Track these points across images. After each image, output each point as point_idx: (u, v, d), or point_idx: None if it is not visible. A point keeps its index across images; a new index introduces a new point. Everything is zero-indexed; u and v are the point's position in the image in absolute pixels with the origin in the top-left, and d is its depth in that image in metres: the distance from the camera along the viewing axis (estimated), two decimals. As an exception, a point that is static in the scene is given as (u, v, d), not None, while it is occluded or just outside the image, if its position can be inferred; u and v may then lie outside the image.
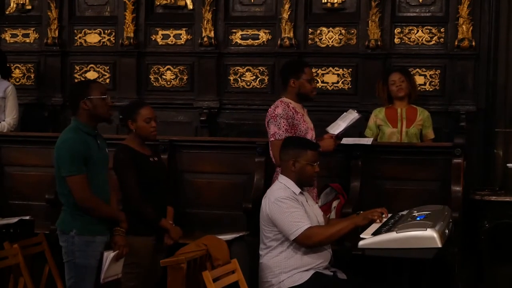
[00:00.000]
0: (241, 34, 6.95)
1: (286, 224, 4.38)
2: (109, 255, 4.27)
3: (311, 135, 5.04)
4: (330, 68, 6.75)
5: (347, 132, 5.43)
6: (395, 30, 6.64)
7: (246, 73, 6.93)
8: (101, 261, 4.28)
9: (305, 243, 4.39)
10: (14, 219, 5.22)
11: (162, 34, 7.11)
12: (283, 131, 4.89)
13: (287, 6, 6.72)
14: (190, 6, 7.07)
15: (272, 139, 4.93)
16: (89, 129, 4.32)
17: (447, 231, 4.22)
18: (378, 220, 4.42)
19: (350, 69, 6.73)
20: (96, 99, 4.32)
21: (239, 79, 6.95)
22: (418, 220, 4.25)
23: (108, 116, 4.41)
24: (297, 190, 4.51)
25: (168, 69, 7.09)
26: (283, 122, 4.91)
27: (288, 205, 4.40)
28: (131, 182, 4.68)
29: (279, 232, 4.43)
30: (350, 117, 5.23)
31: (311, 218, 4.47)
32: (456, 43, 6.42)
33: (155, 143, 5.35)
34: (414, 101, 6.02)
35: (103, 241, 4.31)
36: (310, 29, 6.80)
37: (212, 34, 6.88)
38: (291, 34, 6.73)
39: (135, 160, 4.74)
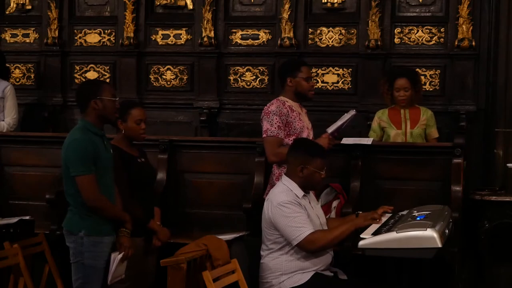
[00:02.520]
0: (241, 34, 6.95)
1: (288, 229, 4.36)
2: (116, 256, 4.27)
3: (306, 134, 5.04)
4: (330, 68, 6.75)
5: (347, 132, 5.43)
6: (395, 30, 6.64)
7: (246, 73, 6.93)
8: (108, 262, 4.27)
9: (308, 248, 4.38)
10: (14, 219, 5.21)
11: (162, 34, 7.12)
12: (275, 128, 4.92)
13: (287, 6, 6.72)
14: (190, 6, 7.07)
15: (264, 135, 4.98)
16: (96, 129, 4.32)
17: (447, 231, 4.22)
18: (378, 220, 4.42)
19: (350, 69, 6.73)
20: (107, 101, 4.33)
21: (239, 79, 6.95)
22: (418, 220, 4.25)
23: (115, 118, 4.43)
24: (300, 193, 4.48)
25: (168, 69, 7.09)
26: (276, 119, 4.93)
27: (291, 209, 4.38)
28: (120, 182, 4.63)
29: (280, 235, 4.42)
30: (347, 116, 5.22)
31: (314, 221, 4.46)
32: (456, 43, 6.43)
33: (154, 143, 5.35)
34: (416, 103, 5.99)
35: (110, 241, 4.31)
36: (310, 29, 6.80)
37: (212, 34, 6.88)
38: (291, 34, 6.73)
39: (124, 160, 4.70)
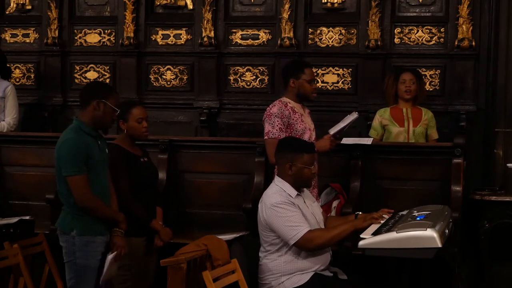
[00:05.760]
0: (241, 34, 6.95)
1: (284, 229, 4.35)
2: (110, 257, 4.28)
3: (308, 135, 5.03)
4: (330, 68, 6.75)
5: (347, 132, 5.43)
6: (395, 30, 6.64)
7: (246, 73, 6.93)
8: (101, 261, 4.28)
9: (306, 247, 4.37)
10: (14, 219, 5.21)
11: (162, 34, 7.11)
12: (276, 130, 4.91)
13: (287, 6, 6.72)
14: (190, 6, 7.07)
15: (266, 137, 4.97)
16: (90, 130, 4.32)
17: (447, 231, 4.22)
18: (378, 221, 4.42)
19: (350, 69, 6.72)
20: (109, 107, 4.33)
21: (239, 79, 6.95)
22: (418, 220, 4.25)
23: (108, 127, 4.43)
24: (293, 192, 4.47)
25: (168, 69, 7.09)
26: (277, 121, 4.93)
27: (285, 210, 4.37)
28: (122, 182, 4.64)
29: (277, 237, 4.41)
30: (350, 118, 5.23)
31: (309, 220, 4.45)
32: (456, 43, 6.42)
33: (154, 143, 5.35)
34: (419, 104, 6.00)
35: (103, 241, 4.32)
36: (310, 29, 6.80)
37: (212, 34, 6.88)
38: (291, 34, 6.73)
39: (126, 160, 4.71)
